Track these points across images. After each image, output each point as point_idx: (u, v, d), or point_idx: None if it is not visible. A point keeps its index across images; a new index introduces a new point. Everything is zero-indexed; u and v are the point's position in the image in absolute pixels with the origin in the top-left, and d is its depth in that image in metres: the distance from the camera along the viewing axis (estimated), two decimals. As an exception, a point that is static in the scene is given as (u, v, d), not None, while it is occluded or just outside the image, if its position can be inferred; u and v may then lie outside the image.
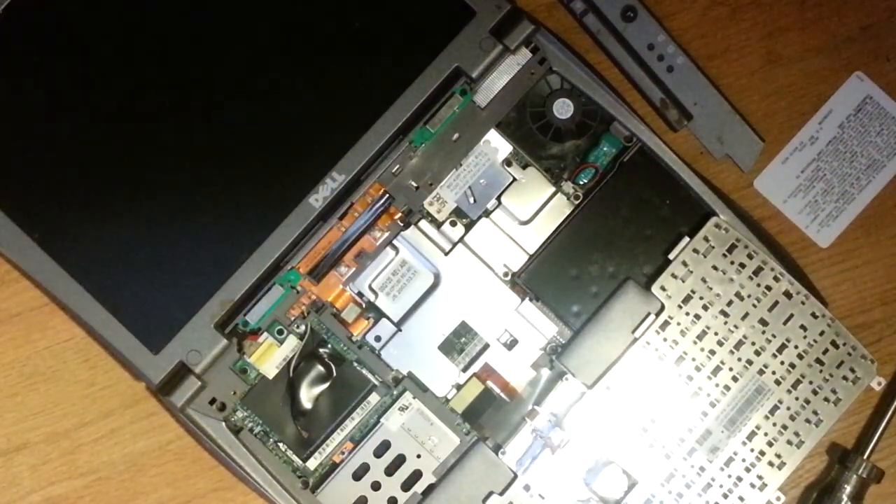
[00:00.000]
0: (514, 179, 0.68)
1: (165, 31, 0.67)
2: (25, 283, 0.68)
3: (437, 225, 0.68)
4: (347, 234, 0.68)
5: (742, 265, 0.67)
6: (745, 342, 0.66)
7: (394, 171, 0.68)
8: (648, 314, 0.66)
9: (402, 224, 0.68)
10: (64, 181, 0.67)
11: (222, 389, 0.66)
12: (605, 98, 0.68)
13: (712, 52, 0.73)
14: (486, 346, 0.67)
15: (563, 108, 0.69)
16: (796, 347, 0.66)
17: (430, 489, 0.66)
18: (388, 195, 0.68)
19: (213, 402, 0.66)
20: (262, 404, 0.67)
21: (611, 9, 0.71)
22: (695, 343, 0.66)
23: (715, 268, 0.67)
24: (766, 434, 0.66)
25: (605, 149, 0.69)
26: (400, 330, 0.67)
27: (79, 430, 0.70)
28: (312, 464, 0.67)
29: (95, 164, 0.67)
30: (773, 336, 0.66)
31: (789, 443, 0.66)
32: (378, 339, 0.67)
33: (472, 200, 0.68)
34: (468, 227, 0.68)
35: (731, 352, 0.66)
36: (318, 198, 0.66)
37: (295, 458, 0.67)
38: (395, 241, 0.68)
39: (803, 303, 0.66)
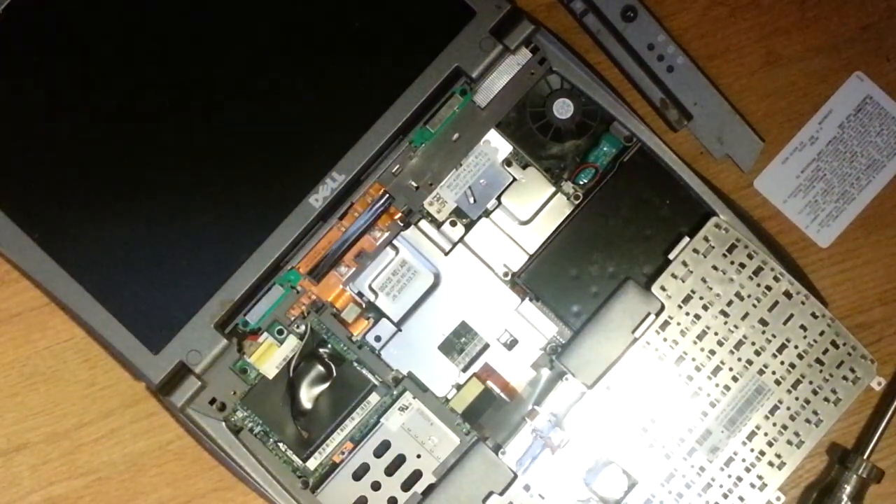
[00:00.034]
0: (514, 179, 0.68)
1: (165, 31, 0.67)
2: (25, 283, 0.68)
3: (437, 225, 0.68)
4: (347, 234, 0.68)
5: (742, 265, 0.67)
6: (745, 342, 0.66)
7: (394, 171, 0.68)
8: (648, 314, 0.66)
9: (402, 224, 0.68)
10: (64, 181, 0.67)
11: (222, 389, 0.66)
12: (605, 98, 0.68)
13: (712, 52, 0.73)
14: (486, 346, 0.67)
15: (563, 108, 0.69)
16: (796, 347, 0.66)
17: (430, 489, 0.66)
18: (388, 195, 0.68)
19: (213, 402, 0.66)
20: (262, 404, 0.67)
21: (611, 9, 0.71)
22: (695, 343, 0.66)
23: (715, 268, 0.67)
24: (766, 434, 0.66)
25: (605, 149, 0.69)
26: (400, 330, 0.67)
27: (79, 430, 0.70)
28: (312, 464, 0.67)
29: (95, 164, 0.67)
30: (773, 336, 0.66)
31: (789, 443, 0.66)
32: (378, 339, 0.67)
33: (472, 200, 0.68)
34: (468, 227, 0.68)
35: (731, 352, 0.66)
36: (318, 198, 0.66)
37: (295, 458, 0.67)
38: (395, 241, 0.68)
39: (803, 303, 0.66)
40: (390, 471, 0.67)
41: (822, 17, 0.73)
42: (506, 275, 0.68)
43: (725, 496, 0.65)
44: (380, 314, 0.68)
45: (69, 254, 0.66)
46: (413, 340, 0.67)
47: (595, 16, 0.72)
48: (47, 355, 0.71)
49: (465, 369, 0.67)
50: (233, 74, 0.67)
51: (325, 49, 0.67)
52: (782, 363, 0.66)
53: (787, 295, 0.66)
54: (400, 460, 0.67)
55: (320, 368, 0.67)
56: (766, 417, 0.66)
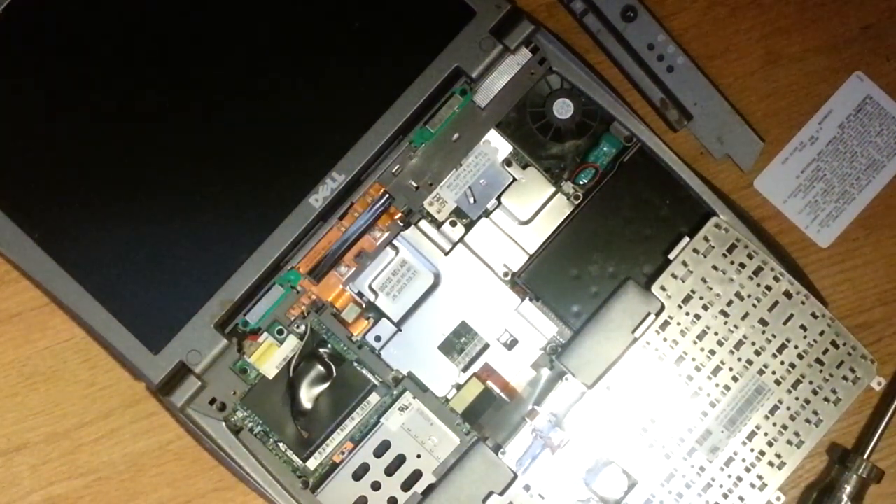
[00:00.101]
0: (514, 179, 0.68)
1: (165, 31, 0.67)
2: (25, 283, 0.69)
3: (437, 225, 0.68)
4: (347, 234, 0.68)
5: (742, 265, 0.67)
6: (745, 342, 0.66)
7: (394, 171, 0.68)
8: (648, 314, 0.66)
9: (402, 224, 0.68)
10: (64, 181, 0.67)
11: (222, 389, 0.66)
12: (605, 98, 0.68)
13: (712, 52, 0.73)
14: (486, 346, 0.67)
15: (563, 108, 0.69)
16: (796, 347, 0.66)
17: (430, 489, 0.66)
18: (388, 195, 0.68)
19: (213, 402, 0.66)
20: (262, 404, 0.67)
21: (611, 9, 0.71)
22: (695, 343, 0.66)
23: (715, 268, 0.67)
24: (766, 434, 0.66)
25: (605, 149, 0.69)
26: (400, 330, 0.67)
27: (79, 430, 0.70)
28: (312, 464, 0.67)
29: (95, 164, 0.67)
30: (773, 336, 0.66)
31: (789, 443, 0.66)
32: (378, 339, 0.67)
33: (472, 200, 0.68)
34: (468, 227, 0.68)
35: (731, 352, 0.66)
36: (318, 198, 0.66)
37: (295, 458, 0.67)
38: (395, 241, 0.68)
39: (803, 303, 0.66)
40: (390, 471, 0.67)
41: (822, 17, 0.73)
42: (506, 275, 0.68)
43: (725, 496, 0.65)
44: (380, 314, 0.67)
45: (69, 254, 0.66)
46: (413, 340, 0.67)
47: (595, 16, 0.72)
48: (47, 355, 0.71)
49: (465, 369, 0.67)
50: (233, 74, 0.67)
51: (325, 49, 0.67)
52: (782, 363, 0.66)
53: (787, 295, 0.66)
54: (400, 460, 0.67)
55: (320, 368, 0.67)
56: (766, 417, 0.66)
